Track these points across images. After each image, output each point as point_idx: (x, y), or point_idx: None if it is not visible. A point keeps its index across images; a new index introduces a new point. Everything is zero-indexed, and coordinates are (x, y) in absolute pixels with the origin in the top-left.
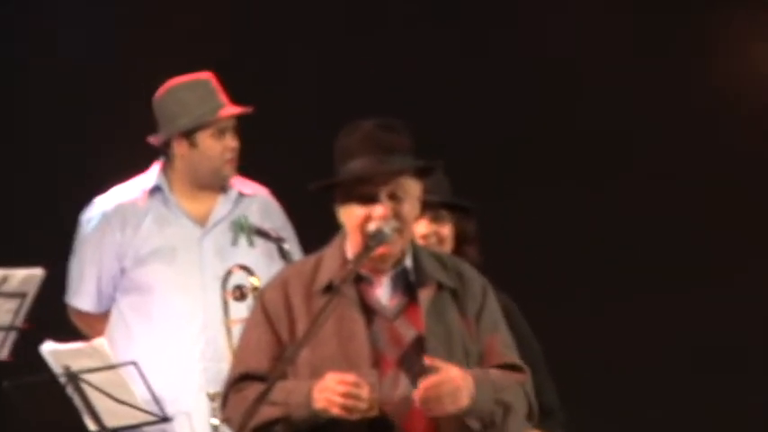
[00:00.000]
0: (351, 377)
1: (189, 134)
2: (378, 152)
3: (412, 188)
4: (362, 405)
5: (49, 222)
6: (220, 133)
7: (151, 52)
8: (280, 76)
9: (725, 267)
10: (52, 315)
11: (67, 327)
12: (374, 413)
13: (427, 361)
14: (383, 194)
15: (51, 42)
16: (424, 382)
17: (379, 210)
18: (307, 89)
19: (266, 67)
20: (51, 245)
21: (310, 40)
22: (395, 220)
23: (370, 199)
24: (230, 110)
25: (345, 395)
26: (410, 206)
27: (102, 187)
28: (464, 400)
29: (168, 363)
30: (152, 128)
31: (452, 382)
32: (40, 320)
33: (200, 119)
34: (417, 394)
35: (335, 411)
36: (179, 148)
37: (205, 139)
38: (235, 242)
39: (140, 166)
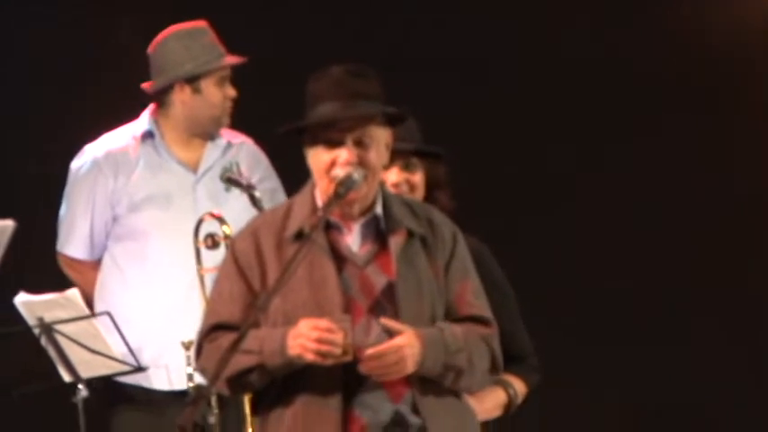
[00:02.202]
0: (324, 323)
1: (193, 80)
2: (345, 97)
3: (379, 135)
4: (337, 350)
5: (21, 174)
6: (222, 81)
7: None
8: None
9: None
10: (26, 266)
11: (42, 278)
12: (349, 358)
13: (382, 322)
14: (349, 140)
15: None
16: (368, 353)
17: (343, 155)
18: (287, 37)
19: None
20: (23, 197)
21: None
22: (360, 166)
23: (335, 144)
24: (233, 58)
25: (319, 341)
26: (376, 153)
27: (69, 139)
28: (409, 367)
29: (165, 306)
30: (129, 77)
31: (397, 351)
32: (13, 272)
33: (206, 65)
34: (361, 366)
35: (310, 357)
36: (181, 94)
37: (209, 86)
38: (228, 188)
39: (112, 116)
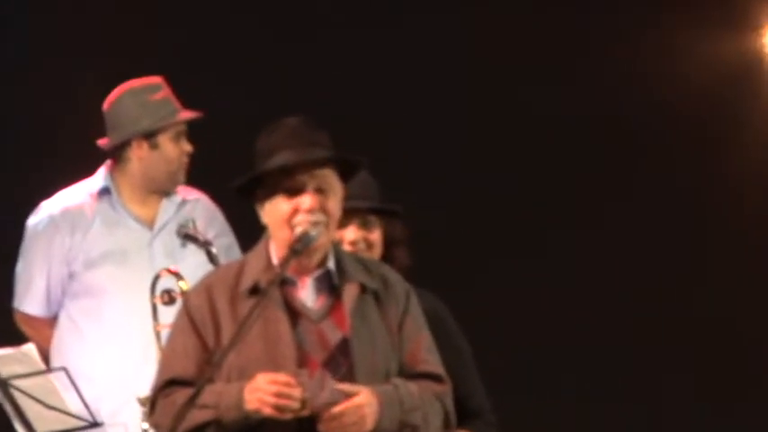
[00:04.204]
0: (282, 377)
1: (150, 136)
2: (302, 145)
3: (336, 185)
4: (295, 404)
5: None
6: (178, 137)
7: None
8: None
9: None
10: None
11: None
12: (306, 413)
13: (339, 387)
14: (310, 186)
15: None
16: (327, 413)
17: (306, 200)
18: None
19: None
20: None
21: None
22: (321, 213)
23: (296, 191)
24: (190, 113)
25: (277, 394)
26: (335, 202)
27: (30, 194)
28: (368, 426)
29: (122, 363)
30: (83, 133)
31: (356, 411)
32: None
33: (163, 120)
34: (321, 426)
35: (268, 411)
36: (138, 150)
37: (166, 142)
38: (184, 244)
39: (72, 172)
